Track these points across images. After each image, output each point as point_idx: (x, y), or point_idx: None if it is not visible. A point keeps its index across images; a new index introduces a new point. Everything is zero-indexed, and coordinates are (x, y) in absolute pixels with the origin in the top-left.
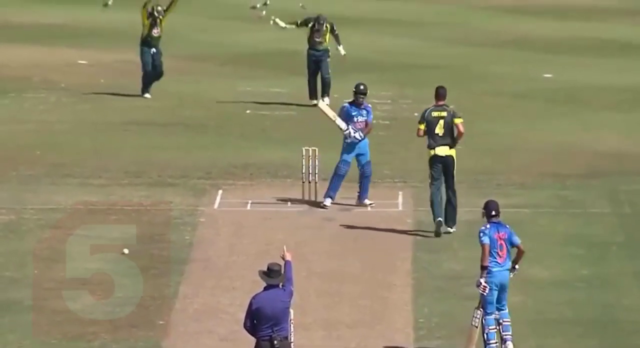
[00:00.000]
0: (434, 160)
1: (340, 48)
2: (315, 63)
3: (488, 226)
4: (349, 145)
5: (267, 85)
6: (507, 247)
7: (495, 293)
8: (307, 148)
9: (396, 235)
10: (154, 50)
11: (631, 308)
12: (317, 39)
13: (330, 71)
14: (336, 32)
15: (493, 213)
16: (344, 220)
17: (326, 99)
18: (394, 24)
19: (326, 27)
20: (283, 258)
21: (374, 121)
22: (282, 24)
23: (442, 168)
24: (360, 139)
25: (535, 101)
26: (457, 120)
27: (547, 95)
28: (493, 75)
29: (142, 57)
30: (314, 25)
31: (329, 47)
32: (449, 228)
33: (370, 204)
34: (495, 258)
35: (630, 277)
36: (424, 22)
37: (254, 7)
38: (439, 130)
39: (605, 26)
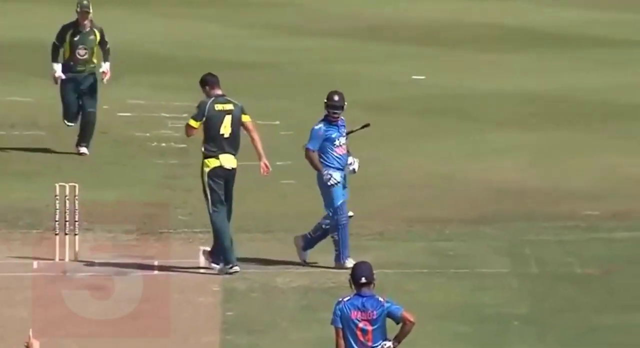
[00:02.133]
0: (217, 174)
1: (105, 65)
2: (75, 91)
3: (345, 300)
4: (337, 185)
5: (2, 92)
6: (374, 328)
7: None
8: (63, 184)
9: (197, 310)
10: None
11: None
12: (81, 56)
13: (97, 104)
14: (108, 46)
15: (363, 280)
16: (120, 288)
17: (84, 149)
18: (194, 3)
19: (95, 34)
20: (27, 347)
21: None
22: (58, 70)
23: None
24: (356, 169)
25: (400, 115)
26: (246, 118)
27: (419, 105)
28: (340, 78)
29: None
30: (73, 33)
31: (96, 66)
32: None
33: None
34: (354, 345)
35: None
36: (240, 2)
37: None
38: (225, 130)
39: (503, 6)
